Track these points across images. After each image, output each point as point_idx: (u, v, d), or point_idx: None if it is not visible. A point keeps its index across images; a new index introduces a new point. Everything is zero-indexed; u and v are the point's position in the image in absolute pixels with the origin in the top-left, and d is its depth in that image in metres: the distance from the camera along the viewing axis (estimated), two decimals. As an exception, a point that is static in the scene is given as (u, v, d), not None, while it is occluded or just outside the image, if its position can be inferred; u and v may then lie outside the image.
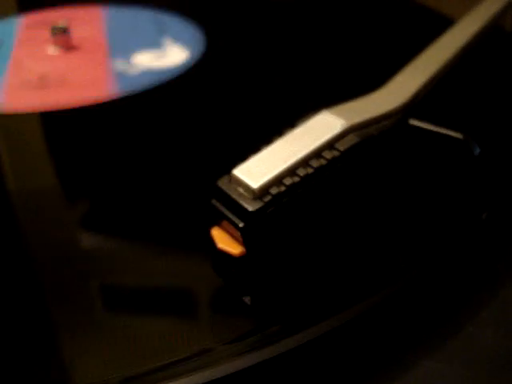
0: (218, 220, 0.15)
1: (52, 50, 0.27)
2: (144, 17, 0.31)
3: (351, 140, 0.15)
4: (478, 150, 0.17)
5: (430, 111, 0.19)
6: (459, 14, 0.25)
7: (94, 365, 0.13)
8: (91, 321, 0.14)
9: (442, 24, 0.23)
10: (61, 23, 0.27)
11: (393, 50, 0.26)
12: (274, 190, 0.14)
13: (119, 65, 0.26)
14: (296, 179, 0.14)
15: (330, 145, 0.15)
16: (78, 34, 0.28)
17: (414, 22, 0.29)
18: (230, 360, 0.12)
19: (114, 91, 0.23)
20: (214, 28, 0.29)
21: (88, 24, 0.30)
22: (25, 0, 0.34)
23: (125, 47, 0.27)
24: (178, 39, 0.28)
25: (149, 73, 0.25)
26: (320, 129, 0.15)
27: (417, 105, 0.18)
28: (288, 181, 0.14)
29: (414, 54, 0.20)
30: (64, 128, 0.22)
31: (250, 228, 0.14)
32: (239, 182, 0.14)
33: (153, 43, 0.28)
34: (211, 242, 0.14)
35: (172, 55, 0.26)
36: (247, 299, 0.14)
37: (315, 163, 0.15)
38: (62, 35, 0.27)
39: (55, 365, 0.13)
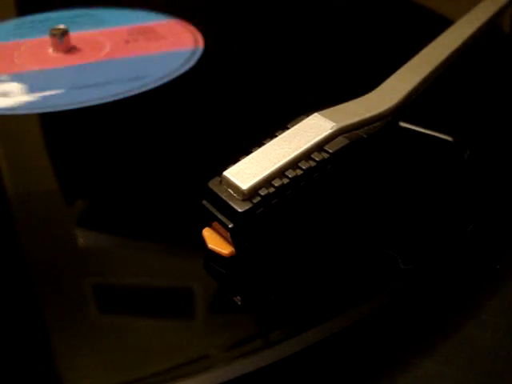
0: (209, 221, 0.15)
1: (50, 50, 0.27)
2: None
3: (341, 142, 0.15)
4: (467, 153, 0.17)
5: (420, 114, 0.19)
6: (457, 14, 0.25)
7: (89, 369, 0.13)
8: (87, 324, 0.14)
9: (439, 24, 0.23)
10: (60, 25, 0.27)
11: (388, 51, 0.26)
12: (263, 192, 0.14)
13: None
14: (285, 181, 0.14)
15: (319, 147, 0.15)
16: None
17: (411, 23, 0.29)
18: (228, 365, 0.13)
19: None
20: (210, 30, 0.29)
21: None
22: (24, 1, 0.35)
23: None
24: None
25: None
26: (310, 131, 0.15)
27: (408, 107, 0.18)
28: (277, 182, 0.14)
29: (409, 55, 0.20)
30: (62, 129, 0.22)
31: (239, 228, 0.14)
32: (229, 184, 0.14)
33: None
34: (203, 242, 0.15)
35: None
36: (238, 299, 0.14)
37: (304, 165, 0.15)
38: (59, 37, 0.27)
39: (50, 369, 0.13)
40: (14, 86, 0.25)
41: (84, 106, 0.23)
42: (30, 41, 0.29)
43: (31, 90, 0.24)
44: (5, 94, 0.24)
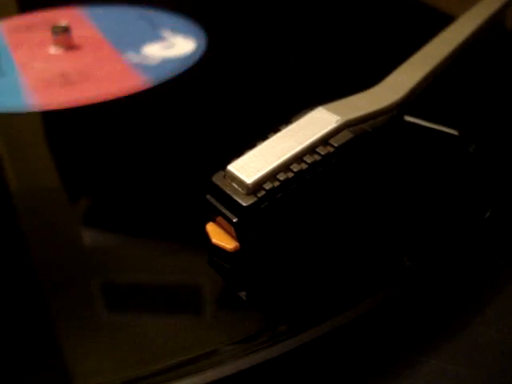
0: (213, 215, 0.15)
1: (54, 50, 0.27)
2: (131, 15, 0.31)
3: (346, 136, 0.15)
4: (473, 147, 0.17)
5: (425, 108, 0.19)
6: (459, 11, 0.25)
7: (96, 366, 0.13)
8: (93, 321, 0.14)
9: (441, 21, 0.23)
10: (62, 23, 0.27)
11: (391, 47, 0.26)
12: (267, 186, 0.14)
13: (133, 57, 0.26)
14: (290, 175, 0.14)
15: (324, 140, 0.15)
16: (74, 33, 0.28)
17: (413, 19, 0.29)
18: (233, 361, 0.12)
19: (141, 82, 0.24)
20: (212, 24, 0.29)
21: (78, 24, 0.30)
22: (25, 0, 0.35)
23: (128, 42, 0.27)
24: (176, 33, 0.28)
25: (167, 62, 0.25)
26: (315, 125, 0.15)
27: (413, 101, 0.18)
28: (282, 176, 0.14)
29: (412, 51, 0.20)
30: (64, 127, 0.22)
31: (244, 223, 0.14)
32: (234, 178, 0.14)
33: (153, 37, 0.28)
34: (207, 237, 0.15)
35: (180, 46, 0.27)
36: (242, 294, 0.14)
37: (309, 159, 0.15)
38: (63, 34, 0.27)
39: (56, 366, 0.13)
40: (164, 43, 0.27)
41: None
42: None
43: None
44: (170, 46, 0.26)
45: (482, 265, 0.16)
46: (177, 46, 0.27)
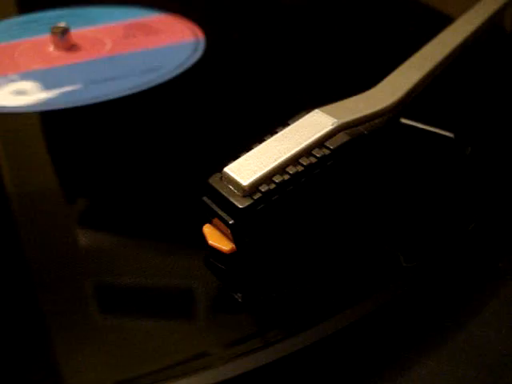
0: (210, 217, 0.15)
1: (51, 49, 0.27)
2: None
3: (341, 138, 0.15)
4: (469, 149, 0.17)
5: (422, 110, 0.19)
6: (458, 12, 0.25)
7: (89, 367, 0.13)
8: (87, 322, 0.14)
9: (440, 22, 0.23)
10: (61, 24, 0.27)
11: (390, 48, 0.26)
12: (263, 188, 0.14)
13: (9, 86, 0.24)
14: (286, 177, 0.14)
15: (320, 143, 0.15)
16: (114, 43, 0.28)
17: (413, 20, 0.29)
18: (229, 363, 0.12)
19: None
20: (209, 24, 0.29)
21: (151, 37, 0.29)
22: (25, 0, 0.35)
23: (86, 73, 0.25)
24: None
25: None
26: (311, 127, 0.15)
27: (409, 103, 0.18)
28: (278, 178, 0.14)
29: (411, 52, 0.20)
30: (61, 128, 0.22)
31: (240, 225, 0.14)
32: (230, 180, 0.14)
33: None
34: (203, 239, 0.15)
35: (31, 94, 0.23)
36: (238, 296, 0.14)
37: (305, 161, 0.15)
38: (60, 36, 0.27)
39: (49, 367, 0.13)
40: (28, 84, 0.24)
41: (105, 99, 0.23)
42: (28, 40, 0.29)
43: (47, 87, 0.24)
44: (21, 92, 0.23)
45: (480, 266, 0.16)
46: (28, 93, 0.23)
